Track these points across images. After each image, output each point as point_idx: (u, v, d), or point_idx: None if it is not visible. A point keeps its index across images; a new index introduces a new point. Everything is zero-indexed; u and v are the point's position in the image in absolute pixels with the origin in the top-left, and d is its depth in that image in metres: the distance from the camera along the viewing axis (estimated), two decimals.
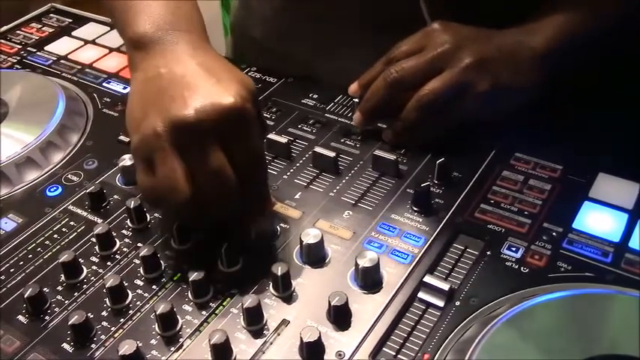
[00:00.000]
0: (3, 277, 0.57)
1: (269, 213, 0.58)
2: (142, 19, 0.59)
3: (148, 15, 0.60)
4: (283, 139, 0.67)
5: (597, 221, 0.58)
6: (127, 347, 0.48)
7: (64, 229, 0.61)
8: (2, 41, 0.93)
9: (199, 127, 0.51)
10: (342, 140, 0.70)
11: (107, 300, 0.54)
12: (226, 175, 0.51)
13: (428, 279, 0.53)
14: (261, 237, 0.58)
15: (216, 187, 0.52)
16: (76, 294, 0.55)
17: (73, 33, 0.94)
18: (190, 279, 0.53)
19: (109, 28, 0.93)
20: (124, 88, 0.81)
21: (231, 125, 0.52)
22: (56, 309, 0.54)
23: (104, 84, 0.82)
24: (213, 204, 0.52)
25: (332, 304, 0.50)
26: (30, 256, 0.59)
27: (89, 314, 0.51)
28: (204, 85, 0.53)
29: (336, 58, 0.83)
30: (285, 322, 0.51)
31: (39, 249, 0.59)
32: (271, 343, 0.50)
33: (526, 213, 0.59)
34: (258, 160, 0.54)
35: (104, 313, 0.53)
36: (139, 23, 0.59)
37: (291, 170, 0.66)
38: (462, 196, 0.61)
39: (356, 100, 0.70)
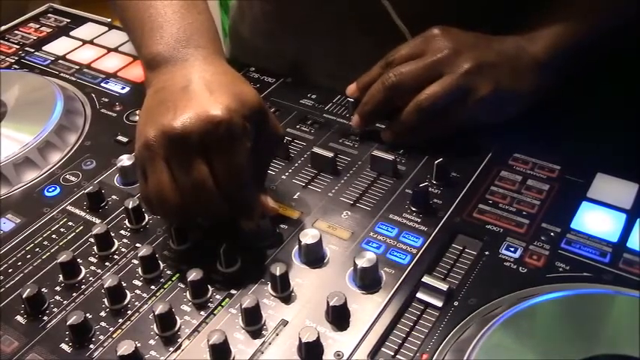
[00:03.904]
0: (1, 278, 0.57)
1: (258, 215, 0.58)
2: (154, 39, 0.60)
3: (161, 35, 0.60)
4: None
5: (595, 221, 0.58)
6: (125, 347, 0.47)
7: (62, 230, 0.61)
8: (0, 41, 0.93)
9: (184, 138, 0.52)
10: (341, 140, 0.70)
11: (106, 300, 0.54)
12: (205, 187, 0.52)
13: (426, 279, 0.53)
14: (256, 237, 0.58)
15: (196, 197, 0.52)
16: (74, 294, 0.55)
17: (72, 33, 0.93)
18: (189, 279, 0.53)
19: (107, 28, 0.93)
20: (122, 88, 0.81)
21: (215, 137, 0.52)
22: (55, 309, 0.54)
23: (102, 84, 0.82)
24: (198, 211, 0.54)
25: (330, 304, 0.50)
26: (28, 256, 0.59)
27: (88, 314, 0.51)
28: (198, 97, 0.54)
29: (322, 59, 0.83)
30: (283, 322, 0.51)
31: (37, 249, 0.59)
32: (270, 344, 0.50)
33: (524, 213, 0.59)
34: (239, 173, 0.53)
35: (103, 314, 0.53)
36: (152, 43, 0.60)
37: (290, 170, 0.66)
38: (460, 196, 0.61)
39: (351, 99, 0.70)
